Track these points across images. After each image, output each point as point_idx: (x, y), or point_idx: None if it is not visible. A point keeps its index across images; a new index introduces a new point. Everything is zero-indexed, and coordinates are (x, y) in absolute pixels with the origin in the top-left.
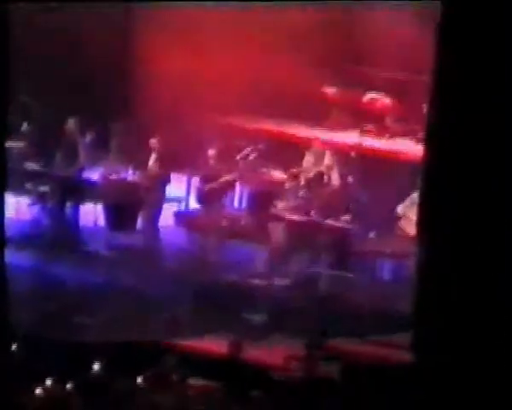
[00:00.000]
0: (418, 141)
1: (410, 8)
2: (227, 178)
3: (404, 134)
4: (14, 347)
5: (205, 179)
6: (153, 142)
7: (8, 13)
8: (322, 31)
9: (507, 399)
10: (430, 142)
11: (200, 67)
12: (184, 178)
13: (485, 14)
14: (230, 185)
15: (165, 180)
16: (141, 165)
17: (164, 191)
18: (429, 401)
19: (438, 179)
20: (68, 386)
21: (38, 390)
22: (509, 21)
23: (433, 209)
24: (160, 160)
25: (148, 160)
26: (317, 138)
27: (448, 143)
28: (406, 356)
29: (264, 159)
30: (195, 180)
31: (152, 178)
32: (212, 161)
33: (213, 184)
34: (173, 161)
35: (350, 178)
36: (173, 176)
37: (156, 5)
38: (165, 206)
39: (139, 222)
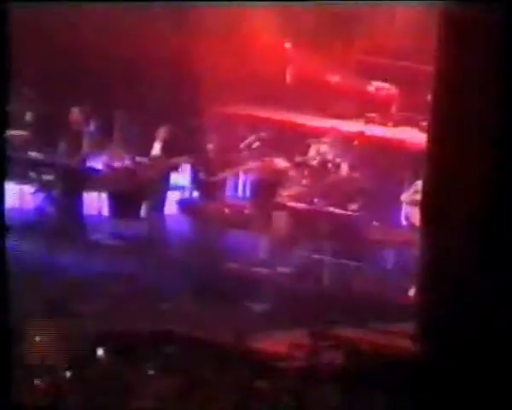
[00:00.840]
0: (422, 129)
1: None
2: (230, 167)
3: (407, 123)
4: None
5: (209, 168)
6: (157, 130)
7: (10, 3)
8: (327, 21)
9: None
10: (434, 130)
11: (203, 55)
12: (188, 167)
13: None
14: (234, 173)
15: (171, 169)
16: (145, 153)
17: (169, 180)
18: (432, 391)
19: (441, 168)
20: (69, 376)
21: (38, 382)
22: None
23: (437, 198)
24: (164, 148)
25: (151, 148)
26: (320, 127)
27: (452, 132)
28: (410, 345)
29: (268, 147)
30: (199, 169)
31: (156, 167)
32: (215, 150)
33: (217, 173)
34: (177, 150)
35: (354, 167)
36: (177, 164)
37: None
38: (169, 194)
39: (144, 211)
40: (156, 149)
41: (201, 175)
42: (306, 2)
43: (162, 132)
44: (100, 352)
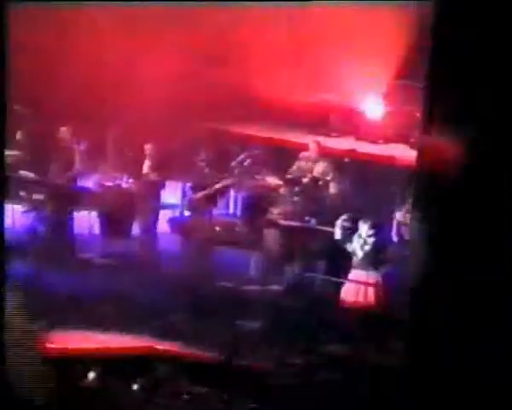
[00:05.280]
0: (412, 146)
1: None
2: (221, 184)
3: (398, 139)
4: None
5: (199, 186)
6: (147, 148)
7: (2, 23)
8: (314, 37)
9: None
10: (423, 147)
11: (195, 72)
12: (179, 185)
13: (478, 17)
14: (225, 191)
15: (160, 187)
16: (135, 171)
17: (159, 198)
18: (423, 405)
19: (431, 184)
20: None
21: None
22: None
23: (427, 215)
24: (154, 166)
25: (142, 166)
26: (311, 144)
27: (442, 147)
28: (401, 361)
29: (259, 165)
30: (190, 187)
31: (147, 185)
32: (206, 168)
33: (208, 191)
34: (168, 168)
35: (345, 184)
36: (168, 182)
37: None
38: (160, 212)
39: (135, 229)
40: (147, 167)
41: (192, 193)
42: (307, 2)
43: (152, 150)
44: (91, 372)
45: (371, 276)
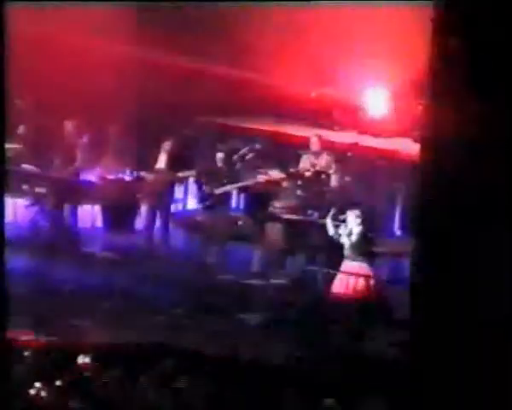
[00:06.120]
0: (415, 140)
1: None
2: (234, 186)
3: (400, 134)
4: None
5: (203, 180)
6: (163, 144)
7: (4, 17)
8: (315, 30)
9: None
10: (425, 141)
11: (197, 67)
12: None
13: (481, 11)
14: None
15: (174, 182)
16: (140, 166)
17: (168, 193)
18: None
19: (432, 179)
20: (64, 388)
21: (33, 393)
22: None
23: (427, 209)
24: (169, 161)
25: (146, 161)
26: (314, 138)
27: (443, 142)
28: (403, 354)
29: (262, 159)
30: (193, 181)
31: (157, 181)
32: (209, 162)
33: (219, 190)
34: (182, 163)
35: (347, 178)
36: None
37: None
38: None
39: (137, 223)
40: (161, 161)
41: (195, 188)
42: (304, 2)
43: (166, 145)
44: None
45: (363, 267)
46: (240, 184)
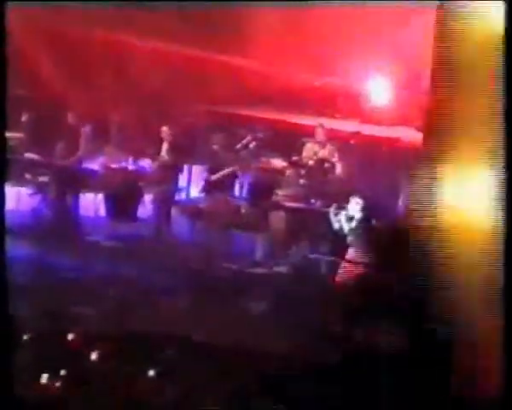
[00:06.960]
0: (417, 129)
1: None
2: (229, 170)
3: (403, 122)
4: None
5: (205, 169)
6: (157, 131)
7: (7, 6)
8: (319, 21)
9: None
10: (428, 130)
11: (201, 56)
12: (185, 167)
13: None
14: (232, 176)
15: (173, 170)
16: (142, 154)
17: (171, 181)
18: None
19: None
20: (68, 378)
21: (37, 384)
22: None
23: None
24: (165, 149)
25: (148, 149)
26: (317, 126)
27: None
28: (405, 344)
29: (265, 147)
30: (196, 169)
31: (158, 168)
32: (212, 151)
33: (215, 175)
34: (180, 151)
35: (350, 166)
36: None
37: None
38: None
39: (140, 211)
40: (163, 149)
41: (198, 175)
42: (309, 2)
43: (166, 133)
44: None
45: (365, 255)
46: (231, 169)
